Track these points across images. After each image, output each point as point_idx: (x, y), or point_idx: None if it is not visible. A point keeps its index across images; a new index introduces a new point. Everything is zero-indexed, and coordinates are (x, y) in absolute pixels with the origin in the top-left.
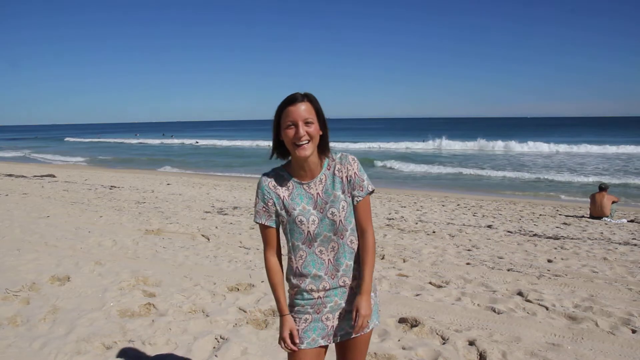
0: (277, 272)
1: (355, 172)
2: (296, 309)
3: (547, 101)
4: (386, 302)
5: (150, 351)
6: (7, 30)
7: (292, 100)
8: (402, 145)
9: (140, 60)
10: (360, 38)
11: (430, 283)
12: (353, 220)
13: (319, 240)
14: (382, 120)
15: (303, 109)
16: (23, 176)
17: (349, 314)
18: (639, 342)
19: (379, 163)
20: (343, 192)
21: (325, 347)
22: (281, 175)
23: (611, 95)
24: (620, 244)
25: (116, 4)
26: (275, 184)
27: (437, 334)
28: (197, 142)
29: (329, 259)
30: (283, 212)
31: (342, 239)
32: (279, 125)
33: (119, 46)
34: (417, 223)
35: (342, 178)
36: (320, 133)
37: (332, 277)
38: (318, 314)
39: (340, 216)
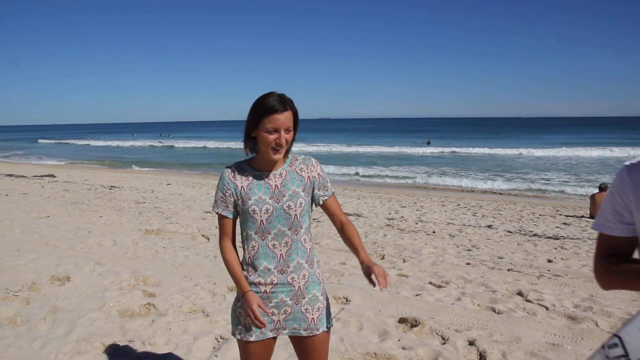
0: (233, 252)
1: (319, 174)
2: (240, 305)
3: (542, 101)
4: (386, 302)
5: (150, 351)
6: (7, 30)
7: (276, 108)
8: (406, 150)
9: (140, 61)
10: (352, 38)
11: (430, 283)
12: (308, 220)
13: (272, 234)
14: (372, 121)
15: (286, 118)
16: (23, 176)
17: (296, 314)
18: None
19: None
20: (303, 191)
21: (274, 338)
22: (242, 168)
23: (608, 96)
24: None
25: (111, 5)
26: (236, 175)
27: (437, 334)
28: (160, 143)
29: (281, 254)
30: (239, 202)
31: (296, 234)
32: (256, 124)
33: (118, 46)
34: (417, 223)
35: (304, 177)
36: (292, 139)
37: (282, 272)
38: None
39: (296, 211)
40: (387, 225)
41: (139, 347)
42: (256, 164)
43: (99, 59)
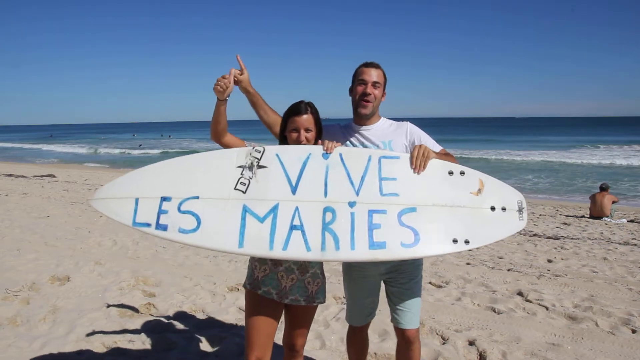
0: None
1: None
2: (257, 258)
3: (537, 102)
4: (386, 302)
5: (150, 351)
6: (7, 31)
7: (297, 112)
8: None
9: (139, 61)
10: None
11: (430, 283)
12: None
13: None
14: None
15: (305, 119)
16: (23, 176)
17: (300, 284)
18: (639, 342)
19: None
20: None
21: (280, 306)
22: None
23: (603, 95)
24: (620, 244)
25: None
26: None
27: (437, 334)
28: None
29: None
30: None
31: None
32: (285, 125)
33: (119, 46)
34: None
35: None
36: (314, 138)
37: None
38: (275, 267)
39: None
40: None
41: (139, 347)
42: None
43: (99, 58)
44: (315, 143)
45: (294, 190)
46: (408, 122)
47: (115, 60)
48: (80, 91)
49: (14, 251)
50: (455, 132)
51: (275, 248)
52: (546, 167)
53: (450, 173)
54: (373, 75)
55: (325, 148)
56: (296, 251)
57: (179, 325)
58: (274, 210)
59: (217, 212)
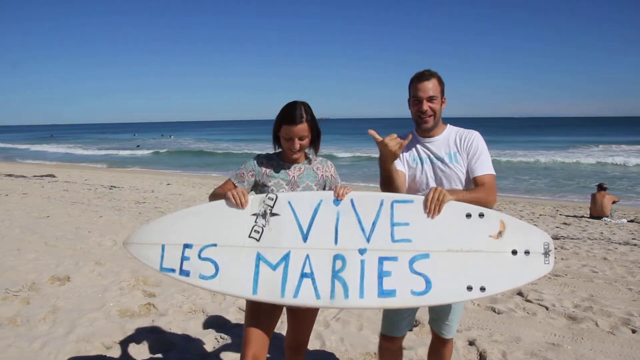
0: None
1: (332, 174)
2: None
3: (536, 102)
4: None
5: (150, 351)
6: (6, 31)
7: (291, 121)
8: None
9: (140, 61)
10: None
11: None
12: None
13: None
14: (371, 120)
15: (299, 129)
16: (23, 176)
17: None
18: (639, 342)
19: None
20: (316, 185)
21: (280, 306)
22: (271, 157)
23: (602, 95)
24: (620, 244)
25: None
26: (263, 162)
27: None
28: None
29: None
30: (260, 182)
31: None
32: (279, 128)
33: (120, 47)
34: None
35: (318, 175)
36: (309, 143)
37: None
38: None
39: None
40: None
41: (139, 347)
42: (282, 156)
43: (99, 58)
44: (312, 146)
45: (305, 237)
46: (474, 135)
47: (115, 60)
48: (80, 91)
49: (14, 251)
50: None
51: (287, 296)
52: (545, 167)
53: (468, 216)
54: (427, 89)
55: (337, 195)
56: (306, 299)
57: (179, 325)
58: (286, 258)
59: (233, 259)
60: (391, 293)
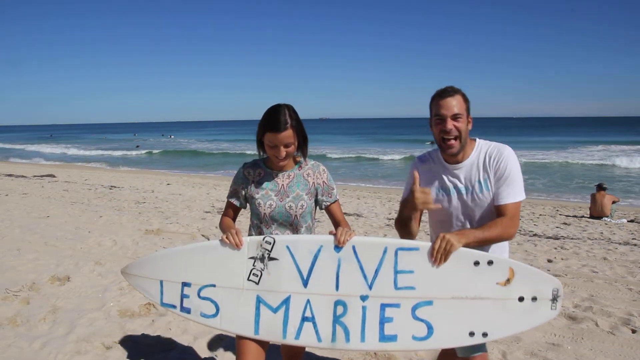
0: (228, 219)
1: (324, 181)
2: None
3: (535, 102)
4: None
5: (150, 351)
6: (7, 32)
7: (275, 129)
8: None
9: (140, 61)
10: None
11: None
12: (309, 220)
13: (276, 224)
14: (370, 120)
15: (284, 136)
16: (23, 176)
17: None
18: (639, 342)
19: None
20: (307, 194)
21: None
22: (258, 165)
23: (602, 95)
24: (620, 244)
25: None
26: (250, 171)
27: None
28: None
29: None
30: (249, 194)
31: (296, 232)
32: (262, 135)
33: (121, 47)
34: None
35: (309, 182)
36: (295, 149)
37: None
38: None
39: (296, 211)
40: (387, 225)
41: (139, 347)
42: (269, 163)
43: (99, 58)
44: (299, 150)
45: (305, 283)
46: (505, 153)
47: (115, 60)
48: (80, 91)
49: (14, 251)
50: None
51: (288, 337)
52: (545, 166)
53: (476, 263)
54: (452, 106)
55: (337, 241)
56: (308, 340)
57: (179, 325)
58: (286, 302)
59: (233, 300)
60: (392, 338)
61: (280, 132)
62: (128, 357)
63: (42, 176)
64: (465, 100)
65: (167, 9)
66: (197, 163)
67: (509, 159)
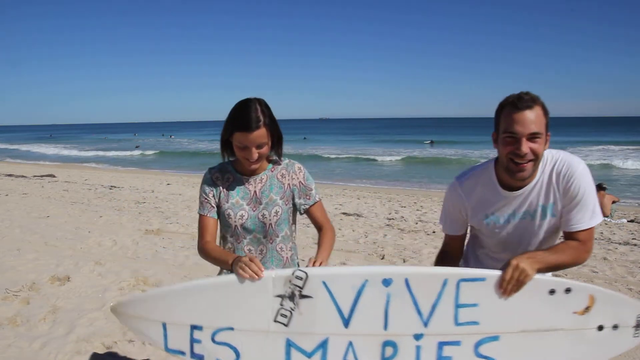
0: (215, 245)
1: (300, 182)
2: None
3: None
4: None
5: (150, 351)
6: (7, 32)
7: (246, 128)
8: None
9: (140, 61)
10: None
11: None
12: (285, 228)
13: (248, 239)
14: (371, 120)
15: (256, 136)
16: (23, 176)
17: None
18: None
19: None
20: (281, 199)
21: None
22: (226, 169)
23: (602, 95)
24: (620, 244)
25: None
26: (218, 177)
27: None
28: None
29: None
30: (218, 204)
31: (271, 243)
32: (230, 135)
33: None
34: (417, 223)
35: (284, 184)
36: (269, 149)
37: None
38: None
39: (270, 220)
40: (387, 225)
41: (139, 347)
42: (238, 167)
43: (99, 58)
44: (272, 149)
45: (346, 323)
46: (577, 171)
47: (115, 60)
48: (80, 91)
49: (14, 251)
50: (454, 132)
51: None
52: None
53: (552, 292)
54: (529, 123)
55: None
56: None
57: None
58: (323, 345)
59: (256, 345)
60: None
61: (251, 132)
62: (128, 357)
63: (42, 176)
64: (546, 113)
65: (167, 9)
66: (197, 163)
67: (582, 179)
